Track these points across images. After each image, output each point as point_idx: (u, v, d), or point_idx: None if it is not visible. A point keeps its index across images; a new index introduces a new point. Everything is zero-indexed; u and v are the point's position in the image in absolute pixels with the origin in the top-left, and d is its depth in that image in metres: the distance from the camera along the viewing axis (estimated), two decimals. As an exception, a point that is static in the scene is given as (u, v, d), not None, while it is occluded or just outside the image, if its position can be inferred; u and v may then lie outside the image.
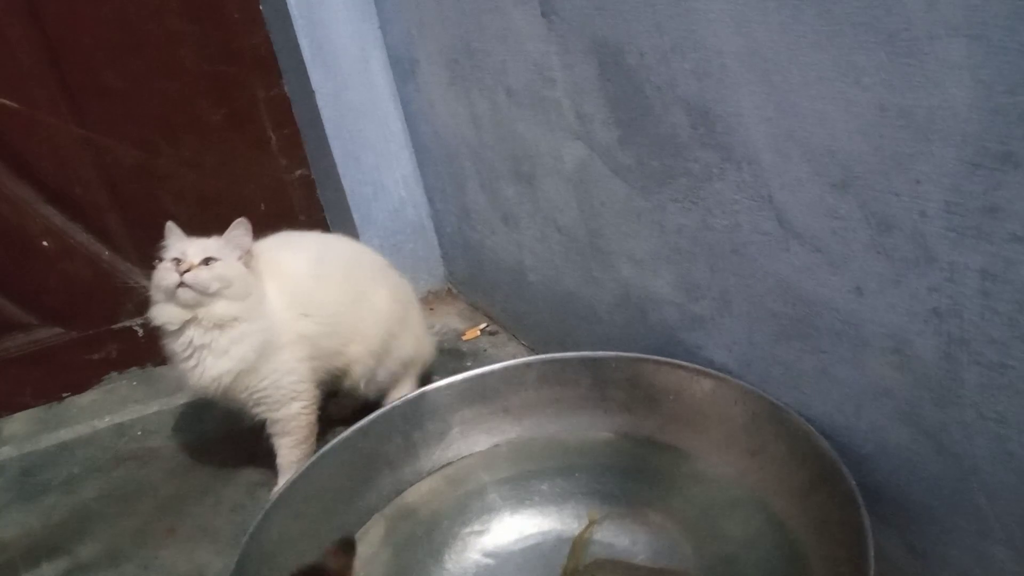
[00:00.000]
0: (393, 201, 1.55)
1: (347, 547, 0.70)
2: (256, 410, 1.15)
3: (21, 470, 1.37)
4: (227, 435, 1.35)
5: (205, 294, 1.06)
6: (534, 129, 1.11)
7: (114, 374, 1.58)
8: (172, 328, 1.09)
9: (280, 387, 1.13)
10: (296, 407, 1.15)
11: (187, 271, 1.05)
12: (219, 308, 1.07)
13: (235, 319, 1.08)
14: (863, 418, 0.76)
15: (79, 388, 1.56)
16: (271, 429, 1.17)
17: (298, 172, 1.56)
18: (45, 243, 1.47)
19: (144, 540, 1.15)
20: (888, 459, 0.74)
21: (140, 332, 1.56)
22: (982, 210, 0.57)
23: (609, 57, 0.89)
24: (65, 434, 1.46)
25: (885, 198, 0.64)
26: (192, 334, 1.08)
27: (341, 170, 1.49)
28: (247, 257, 1.11)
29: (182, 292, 1.05)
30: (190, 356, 1.09)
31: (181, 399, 1.48)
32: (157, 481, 1.28)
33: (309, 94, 1.43)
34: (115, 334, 1.56)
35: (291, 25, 1.38)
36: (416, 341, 1.27)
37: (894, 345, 0.69)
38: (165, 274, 1.07)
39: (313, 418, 1.18)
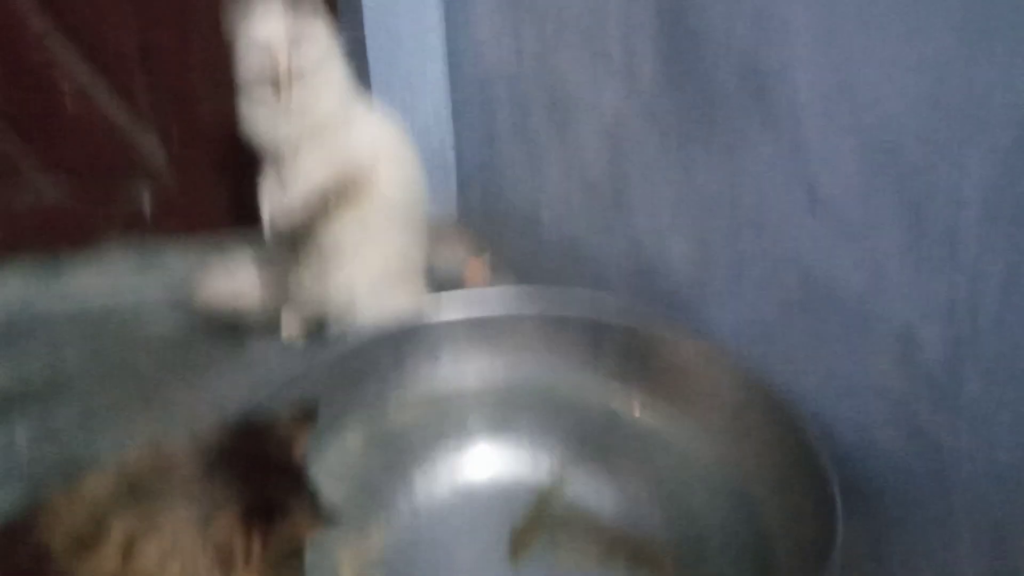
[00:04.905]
0: (419, 124, 1.52)
1: (306, 414, 0.66)
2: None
3: (6, 321, 1.37)
4: (221, 328, 1.34)
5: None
6: (577, 64, 1.08)
7: (114, 242, 1.57)
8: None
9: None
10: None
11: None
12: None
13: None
14: (853, 407, 0.74)
15: (76, 250, 1.55)
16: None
17: (332, 68, 1.52)
18: (66, 91, 1.44)
19: (119, 416, 1.14)
20: (871, 454, 0.73)
21: (148, 204, 1.55)
22: (1022, 208, 0.55)
23: (670, 1, 0.86)
24: (56, 291, 1.45)
25: (925, 181, 0.61)
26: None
27: (374, 82, 1.46)
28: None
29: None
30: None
31: (178, 276, 1.48)
32: (141, 361, 1.28)
33: (356, -10, 1.40)
34: (122, 202, 1.55)
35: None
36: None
37: (901, 337, 0.67)
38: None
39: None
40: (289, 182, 1.21)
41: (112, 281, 1.52)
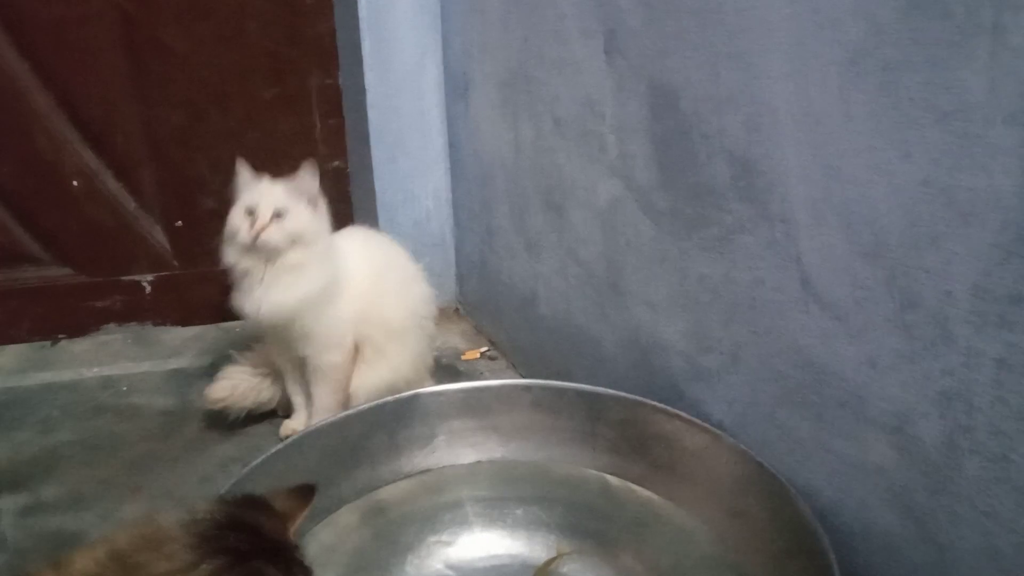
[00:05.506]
0: (420, 211, 1.57)
1: (304, 493, 0.66)
2: (305, 351, 1.20)
3: (1, 403, 1.36)
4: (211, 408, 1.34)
5: (277, 249, 1.13)
6: (574, 161, 1.12)
7: (113, 326, 1.58)
8: (242, 268, 1.16)
9: (331, 332, 1.19)
10: (339, 355, 1.21)
11: (261, 230, 1.11)
12: (290, 257, 1.14)
13: (304, 263, 1.15)
14: (852, 494, 0.75)
15: (75, 333, 1.56)
16: (311, 374, 1.22)
17: (335, 163, 1.57)
18: (75, 183, 1.48)
19: (108, 492, 1.14)
20: (871, 539, 0.73)
21: (148, 289, 1.56)
22: (1009, 298, 0.58)
23: (663, 100, 0.91)
24: (51, 376, 1.45)
25: (913, 274, 0.64)
26: (262, 272, 1.15)
27: (376, 171, 1.50)
28: (314, 201, 1.17)
29: (256, 248, 1.12)
30: (256, 288, 1.15)
31: (173, 364, 1.48)
32: (133, 439, 1.27)
33: (360, 91, 1.46)
34: (122, 286, 1.56)
35: (357, 22, 1.41)
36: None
37: (897, 424, 0.69)
38: (239, 228, 1.13)
39: (351, 370, 1.23)
40: (315, 396, 1.23)
41: (110, 352, 1.53)
